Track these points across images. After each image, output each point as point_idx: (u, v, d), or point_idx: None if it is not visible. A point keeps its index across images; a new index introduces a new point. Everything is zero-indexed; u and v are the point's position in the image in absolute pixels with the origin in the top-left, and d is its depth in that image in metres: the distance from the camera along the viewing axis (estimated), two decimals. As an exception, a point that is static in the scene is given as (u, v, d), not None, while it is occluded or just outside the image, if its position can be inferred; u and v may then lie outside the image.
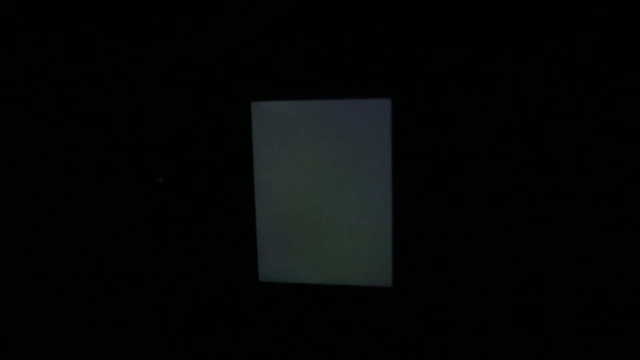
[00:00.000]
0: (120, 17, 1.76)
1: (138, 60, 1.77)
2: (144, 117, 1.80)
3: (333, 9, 1.65)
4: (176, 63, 1.76)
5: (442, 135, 1.63)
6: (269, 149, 1.74)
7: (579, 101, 1.54)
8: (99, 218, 1.83)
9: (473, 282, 1.66)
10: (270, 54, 1.70)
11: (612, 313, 1.58)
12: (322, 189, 1.73)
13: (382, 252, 1.71)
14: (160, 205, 1.82)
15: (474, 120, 1.60)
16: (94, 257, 1.84)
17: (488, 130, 1.60)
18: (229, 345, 1.82)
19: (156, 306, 1.85)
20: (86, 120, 1.81)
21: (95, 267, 1.84)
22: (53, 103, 1.81)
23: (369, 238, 1.72)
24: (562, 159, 1.57)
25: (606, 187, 1.55)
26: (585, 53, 1.53)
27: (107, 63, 1.78)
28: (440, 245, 1.66)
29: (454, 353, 1.68)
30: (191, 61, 1.75)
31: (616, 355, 1.57)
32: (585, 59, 1.53)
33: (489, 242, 1.64)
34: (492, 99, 1.59)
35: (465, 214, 1.64)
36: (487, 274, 1.64)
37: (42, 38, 1.78)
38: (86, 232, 1.84)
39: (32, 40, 1.77)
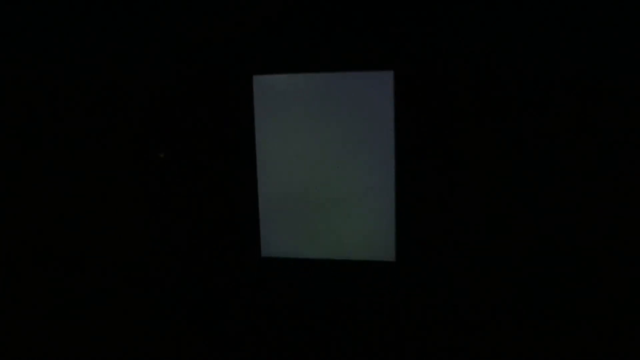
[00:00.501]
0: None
1: (140, 37, 1.77)
2: (146, 92, 1.79)
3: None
4: (178, 39, 1.75)
5: (446, 108, 1.61)
6: (271, 123, 1.73)
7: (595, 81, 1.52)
8: (101, 194, 1.83)
9: (475, 257, 1.65)
10: (272, 27, 1.69)
11: (610, 311, 1.57)
12: (325, 163, 1.72)
13: (386, 227, 1.70)
14: (162, 181, 1.81)
15: (478, 92, 1.59)
16: (95, 234, 1.84)
17: (493, 104, 1.58)
18: (231, 320, 1.82)
19: (159, 282, 1.85)
20: (89, 95, 1.81)
21: (96, 245, 1.84)
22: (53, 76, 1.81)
23: (372, 213, 1.71)
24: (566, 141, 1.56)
25: (610, 188, 1.54)
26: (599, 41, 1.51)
27: (109, 39, 1.78)
28: (444, 220, 1.65)
29: (456, 327, 1.67)
30: (193, 38, 1.74)
31: (615, 355, 1.57)
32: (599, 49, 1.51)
33: (493, 218, 1.62)
34: (496, 72, 1.58)
35: (468, 189, 1.63)
36: (490, 249, 1.63)
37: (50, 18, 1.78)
38: (88, 209, 1.84)
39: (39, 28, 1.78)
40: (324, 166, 1.72)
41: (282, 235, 1.77)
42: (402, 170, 1.66)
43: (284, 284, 1.78)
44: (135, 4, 1.74)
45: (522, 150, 1.58)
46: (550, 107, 1.54)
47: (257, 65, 1.71)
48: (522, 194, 1.59)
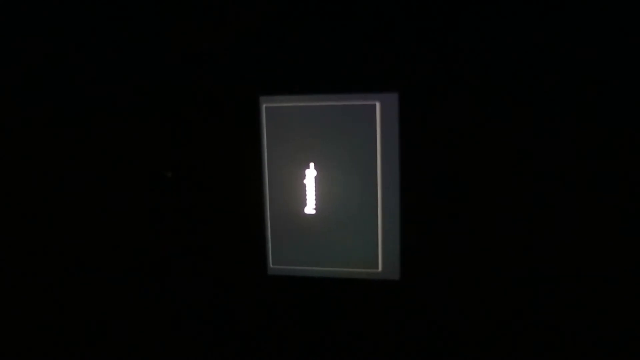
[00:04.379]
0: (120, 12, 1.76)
1: (142, 55, 1.77)
2: (153, 110, 1.80)
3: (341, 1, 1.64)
4: (184, 59, 1.76)
5: (451, 131, 1.62)
6: (279, 145, 1.75)
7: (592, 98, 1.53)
8: (110, 212, 1.86)
9: (479, 278, 1.67)
10: (279, 49, 1.69)
11: (612, 313, 1.59)
12: (331, 185, 1.73)
13: (391, 246, 1.72)
14: (170, 200, 1.84)
15: (483, 115, 1.60)
16: (104, 250, 1.88)
17: (498, 126, 1.59)
18: (237, 335, 1.85)
19: (165, 297, 1.88)
20: (95, 114, 1.82)
21: (104, 260, 1.88)
22: (56, 97, 1.82)
23: (376, 232, 1.72)
24: (571, 156, 1.57)
25: (613, 191, 1.55)
26: (592, 52, 1.51)
27: (110, 58, 1.78)
28: (448, 240, 1.67)
29: (459, 345, 1.71)
30: (199, 57, 1.75)
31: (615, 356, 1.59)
32: (592, 58, 1.52)
33: (495, 243, 1.64)
34: (502, 93, 1.58)
35: (473, 213, 1.64)
36: (491, 272, 1.66)
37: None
38: (97, 227, 1.87)
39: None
40: (330, 189, 1.73)
41: (290, 252, 1.79)
42: (407, 191, 1.67)
43: (290, 300, 1.81)
44: (128, 15, 1.75)
45: (524, 168, 1.59)
46: (556, 124, 1.56)
47: (263, 86, 1.71)
48: (530, 226, 1.61)
